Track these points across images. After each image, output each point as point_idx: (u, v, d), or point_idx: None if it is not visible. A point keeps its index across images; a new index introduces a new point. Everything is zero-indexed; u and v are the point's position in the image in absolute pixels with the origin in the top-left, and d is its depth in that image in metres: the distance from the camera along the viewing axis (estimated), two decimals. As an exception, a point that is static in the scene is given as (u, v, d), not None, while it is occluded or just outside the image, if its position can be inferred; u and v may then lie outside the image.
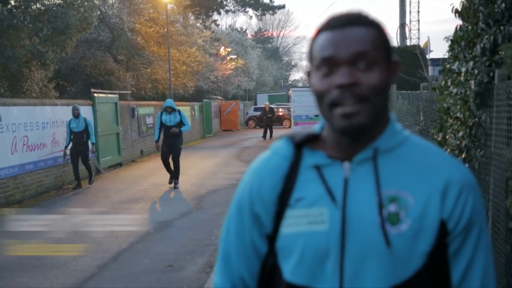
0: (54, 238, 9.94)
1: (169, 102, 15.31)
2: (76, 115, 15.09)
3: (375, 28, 1.60)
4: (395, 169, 1.60)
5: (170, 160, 15.04)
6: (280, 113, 41.60)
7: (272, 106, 36.77)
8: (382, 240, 1.53)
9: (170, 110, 14.69)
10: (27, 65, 20.42)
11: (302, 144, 1.69)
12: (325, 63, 1.55)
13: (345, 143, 1.61)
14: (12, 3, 20.34)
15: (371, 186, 1.57)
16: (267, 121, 33.76)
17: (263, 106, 36.00)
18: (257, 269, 1.73)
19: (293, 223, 1.61)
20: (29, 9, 20.54)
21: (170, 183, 15.31)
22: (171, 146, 14.61)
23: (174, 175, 15.00)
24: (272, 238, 1.67)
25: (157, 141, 15.48)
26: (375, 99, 1.54)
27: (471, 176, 1.62)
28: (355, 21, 1.58)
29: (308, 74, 1.68)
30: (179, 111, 14.87)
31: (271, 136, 33.19)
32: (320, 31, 1.62)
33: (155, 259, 8.57)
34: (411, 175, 1.59)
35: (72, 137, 15.11)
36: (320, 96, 1.58)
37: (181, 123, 14.71)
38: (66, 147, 15.49)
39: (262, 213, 1.68)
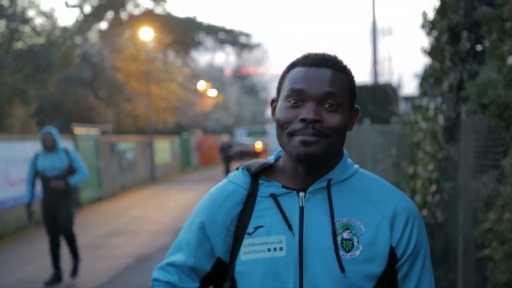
0: (33, 272, 9.82)
1: (48, 131, 8.59)
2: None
3: (346, 75, 1.67)
4: (347, 199, 1.65)
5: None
6: (259, 146, 41.25)
7: (247, 140, 35.96)
8: (337, 266, 1.57)
9: (51, 145, 8.44)
10: (9, 102, 20.32)
11: (257, 174, 1.73)
12: (294, 95, 1.60)
13: (301, 172, 1.65)
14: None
15: (325, 214, 1.62)
16: (226, 158, 29.68)
17: (223, 142, 32.54)
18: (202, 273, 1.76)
19: (253, 251, 1.64)
20: (12, 48, 20.51)
21: (49, 282, 8.54)
22: (55, 212, 8.49)
23: (72, 253, 8.95)
24: (224, 264, 1.70)
25: (29, 204, 8.64)
26: (333, 137, 1.60)
27: (414, 206, 1.70)
28: (330, 63, 1.64)
29: (272, 102, 1.74)
30: (66, 151, 8.63)
31: (227, 173, 28.17)
32: (294, 65, 1.67)
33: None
34: (362, 205, 1.65)
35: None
36: (282, 125, 1.62)
37: (70, 170, 8.52)
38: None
39: (214, 240, 1.71)
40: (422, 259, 1.66)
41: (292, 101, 1.61)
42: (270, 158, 1.79)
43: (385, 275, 1.62)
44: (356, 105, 1.71)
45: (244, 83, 65.54)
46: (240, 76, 65.11)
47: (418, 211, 1.72)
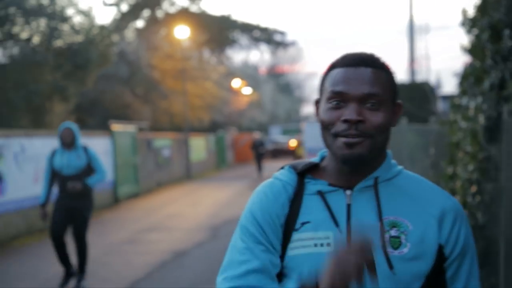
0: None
1: (67, 127, 8.03)
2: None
3: (385, 72, 1.66)
4: (393, 198, 1.65)
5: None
6: (293, 144, 41.06)
7: (279, 140, 36.02)
8: (385, 263, 1.57)
9: (70, 142, 7.90)
10: (49, 99, 20.64)
11: (303, 172, 1.73)
12: (335, 97, 1.61)
13: (346, 172, 1.66)
14: (35, 40, 20.59)
15: (372, 212, 1.62)
16: (257, 155, 30.01)
17: (254, 139, 32.69)
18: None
19: (300, 246, 1.63)
20: (51, 46, 20.78)
21: (63, 283, 7.99)
22: (71, 214, 7.93)
23: (78, 264, 8.17)
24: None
25: (43, 204, 8.09)
26: (377, 136, 1.60)
27: (460, 206, 1.70)
28: (368, 62, 1.63)
29: (316, 103, 1.74)
30: (86, 149, 8.04)
31: (260, 170, 29.47)
32: (334, 66, 1.67)
33: (171, 288, 8.53)
34: (408, 203, 1.65)
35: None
36: (326, 126, 1.63)
37: (88, 170, 8.00)
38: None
39: (266, 236, 1.68)
40: (470, 259, 1.66)
41: (334, 103, 1.61)
42: (315, 159, 1.78)
43: (433, 274, 1.62)
44: (398, 100, 1.70)
45: (278, 81, 65.65)
46: (274, 74, 65.27)
47: (464, 211, 1.71)
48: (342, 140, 1.58)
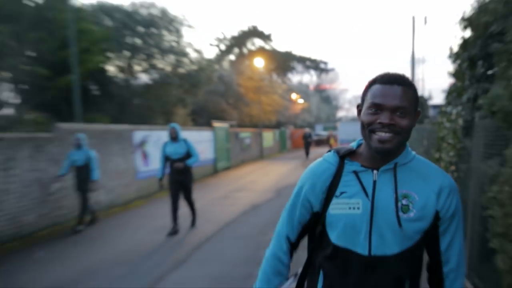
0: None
1: (173, 126, 8.05)
2: (78, 145, 8.50)
3: (412, 89, 1.57)
4: (406, 177, 1.60)
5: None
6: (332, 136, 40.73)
7: (329, 132, 35.88)
8: (396, 222, 1.55)
9: (175, 137, 7.90)
10: (174, 106, 21.06)
11: (344, 156, 1.69)
12: (374, 107, 1.55)
13: (376, 158, 1.61)
14: (167, 69, 21.06)
15: (391, 187, 1.58)
16: (306, 143, 28.87)
17: (305, 132, 30.88)
18: (298, 230, 1.77)
19: (338, 208, 1.62)
20: (177, 73, 21.18)
21: (171, 233, 7.90)
22: (180, 185, 7.96)
23: (192, 213, 8.48)
24: (319, 214, 1.69)
25: (161, 179, 8.06)
26: (403, 134, 1.55)
27: (455, 183, 1.64)
28: (400, 81, 1.55)
29: (358, 107, 1.66)
30: (185, 141, 7.97)
31: (307, 155, 28.27)
32: (374, 82, 1.59)
33: (250, 227, 8.59)
34: (417, 181, 1.60)
35: (72, 170, 8.57)
36: (366, 125, 1.57)
37: (187, 155, 7.92)
38: (60, 176, 8.54)
39: (312, 198, 1.69)
40: (457, 220, 1.62)
41: (373, 110, 1.55)
42: (353, 145, 1.73)
43: (430, 229, 1.60)
44: (418, 109, 1.62)
45: (321, 94, 64.74)
46: (319, 90, 64.40)
47: (457, 187, 1.65)
48: (376, 136, 1.54)
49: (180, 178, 7.94)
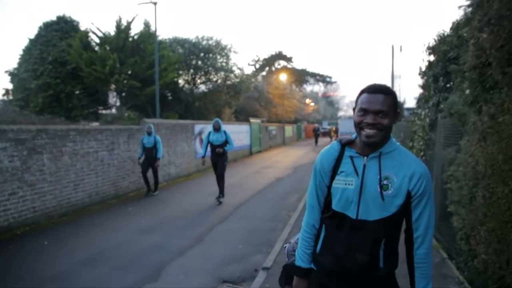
0: (232, 184, 10.07)
1: (217, 120, 7.46)
2: (149, 132, 8.14)
3: (391, 96, 1.49)
4: (389, 162, 1.52)
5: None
6: (333, 130, 40.12)
7: (330, 127, 35.55)
8: (379, 197, 1.49)
9: (217, 128, 7.38)
10: (223, 107, 21.07)
11: (345, 144, 1.62)
12: (362, 110, 1.49)
13: (365, 147, 1.54)
14: (219, 81, 21.05)
15: (376, 170, 1.51)
16: (315, 135, 29.59)
17: (314, 126, 31.72)
18: (322, 201, 1.68)
19: (338, 183, 1.56)
20: (225, 84, 21.18)
21: (219, 197, 7.56)
22: (216, 163, 7.44)
23: (219, 190, 7.58)
24: (328, 187, 1.62)
25: (203, 157, 7.78)
26: (385, 130, 1.48)
27: (426, 169, 1.54)
28: (383, 90, 1.48)
29: (353, 109, 1.59)
30: (224, 132, 7.44)
31: (316, 143, 28.35)
32: (363, 91, 1.52)
33: (275, 194, 8.53)
34: (396, 166, 1.51)
35: (144, 151, 8.19)
36: (357, 124, 1.52)
37: (226, 143, 7.40)
38: (139, 158, 8.32)
39: (324, 175, 1.62)
40: (427, 198, 1.50)
41: (361, 113, 1.49)
42: (353, 136, 1.63)
43: (404, 204, 1.49)
44: (398, 110, 1.53)
45: (327, 100, 63.63)
46: (325, 96, 63.26)
47: (428, 172, 1.53)
48: (364, 133, 1.48)
49: (218, 159, 7.43)
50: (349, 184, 1.54)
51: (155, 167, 8.21)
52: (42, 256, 4.55)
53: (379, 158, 1.53)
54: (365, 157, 1.54)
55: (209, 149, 7.49)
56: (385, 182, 1.50)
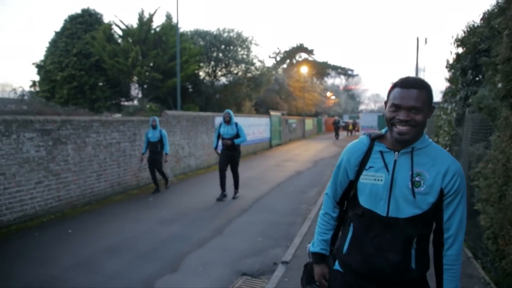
0: (251, 177, 10.04)
1: (227, 111, 7.00)
2: (154, 126, 7.58)
3: (426, 90, 1.42)
4: (421, 159, 1.46)
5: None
6: (355, 124, 39.35)
7: (348, 120, 34.97)
8: (410, 194, 1.44)
9: (228, 121, 6.91)
10: (244, 99, 21.09)
11: (374, 138, 1.57)
12: (394, 106, 1.42)
13: (397, 143, 1.48)
14: (240, 74, 21.01)
15: (408, 166, 1.46)
16: (336, 128, 28.54)
17: (335, 119, 30.40)
18: (340, 193, 1.66)
19: (367, 178, 1.51)
20: (246, 76, 21.15)
21: (219, 198, 7.09)
22: (229, 158, 6.99)
23: (234, 185, 7.26)
24: (353, 182, 1.58)
25: (215, 148, 7.08)
26: (418, 127, 1.42)
27: (460, 167, 1.47)
28: (417, 85, 1.40)
29: (385, 103, 1.52)
30: (236, 124, 6.94)
31: (337, 137, 27.40)
32: (396, 85, 1.44)
33: (294, 187, 8.49)
34: (429, 163, 1.45)
35: (148, 146, 7.65)
36: (388, 120, 1.46)
37: (237, 136, 6.89)
38: (143, 154, 7.77)
39: (349, 169, 1.58)
40: (460, 198, 1.44)
41: (393, 108, 1.43)
42: (382, 131, 1.58)
43: (437, 202, 1.44)
44: (433, 105, 1.46)
45: (348, 93, 62.59)
46: (346, 89, 62.24)
47: (462, 170, 1.47)
48: (396, 129, 1.42)
49: (229, 153, 6.97)
50: (378, 180, 1.49)
51: (158, 163, 7.66)
52: (66, 244, 4.70)
53: (411, 153, 1.47)
54: (396, 153, 1.48)
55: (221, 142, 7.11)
56: (417, 178, 1.44)
